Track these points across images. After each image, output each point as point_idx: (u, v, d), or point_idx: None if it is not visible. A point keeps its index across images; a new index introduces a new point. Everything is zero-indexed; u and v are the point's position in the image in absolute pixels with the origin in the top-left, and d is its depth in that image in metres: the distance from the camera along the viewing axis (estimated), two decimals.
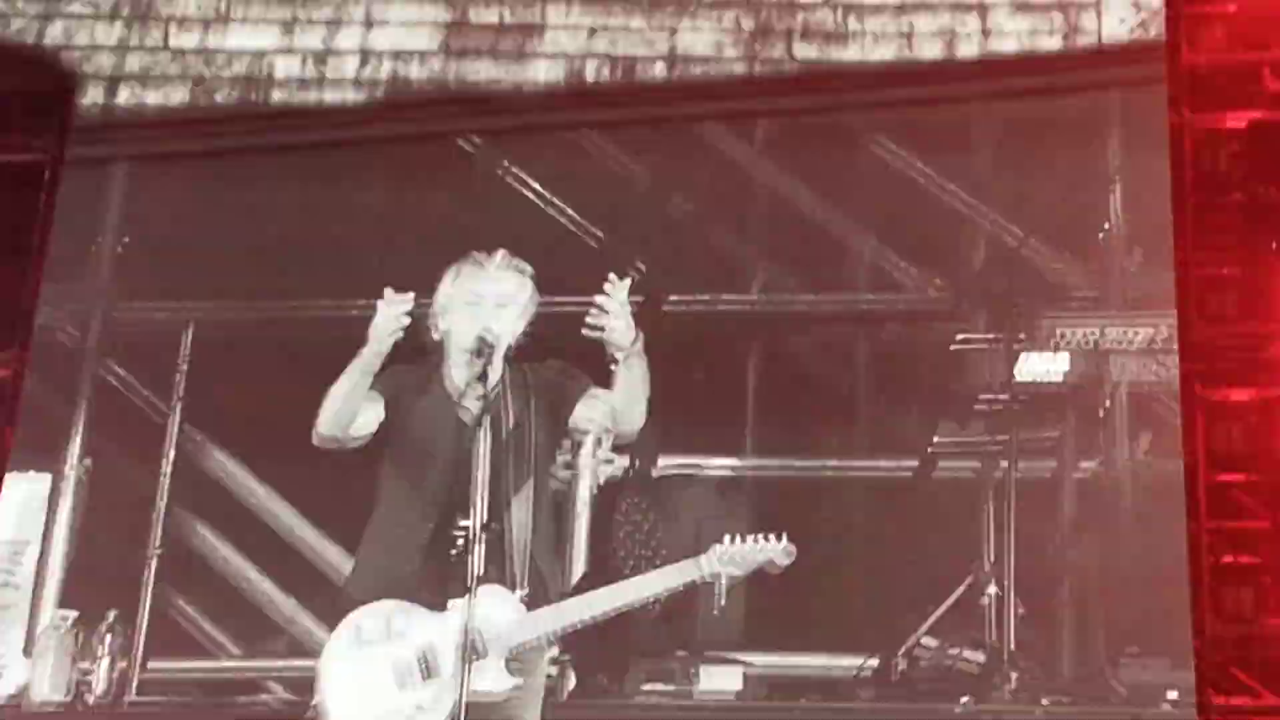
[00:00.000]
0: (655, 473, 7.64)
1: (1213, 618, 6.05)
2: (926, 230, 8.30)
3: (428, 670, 7.05)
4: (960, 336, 8.12)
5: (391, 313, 6.81)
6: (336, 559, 7.63)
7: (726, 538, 6.95)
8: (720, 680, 7.31)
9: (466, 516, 7.04)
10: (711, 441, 7.79)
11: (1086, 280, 8.25)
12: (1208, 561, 6.22)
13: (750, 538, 6.96)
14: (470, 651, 6.80)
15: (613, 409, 7.08)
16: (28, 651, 7.55)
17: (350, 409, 7.04)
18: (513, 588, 7.09)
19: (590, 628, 7.14)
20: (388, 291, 6.78)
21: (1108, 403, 8.00)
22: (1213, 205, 6.75)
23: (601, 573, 7.37)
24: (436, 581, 7.12)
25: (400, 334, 6.80)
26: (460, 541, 7.00)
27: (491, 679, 7.03)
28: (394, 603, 7.14)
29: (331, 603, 7.35)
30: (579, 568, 7.48)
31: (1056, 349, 8.05)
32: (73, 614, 7.61)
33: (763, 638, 7.45)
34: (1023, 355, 8.01)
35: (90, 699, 7.54)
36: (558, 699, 7.23)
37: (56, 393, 8.13)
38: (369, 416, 7.08)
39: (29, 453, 7.90)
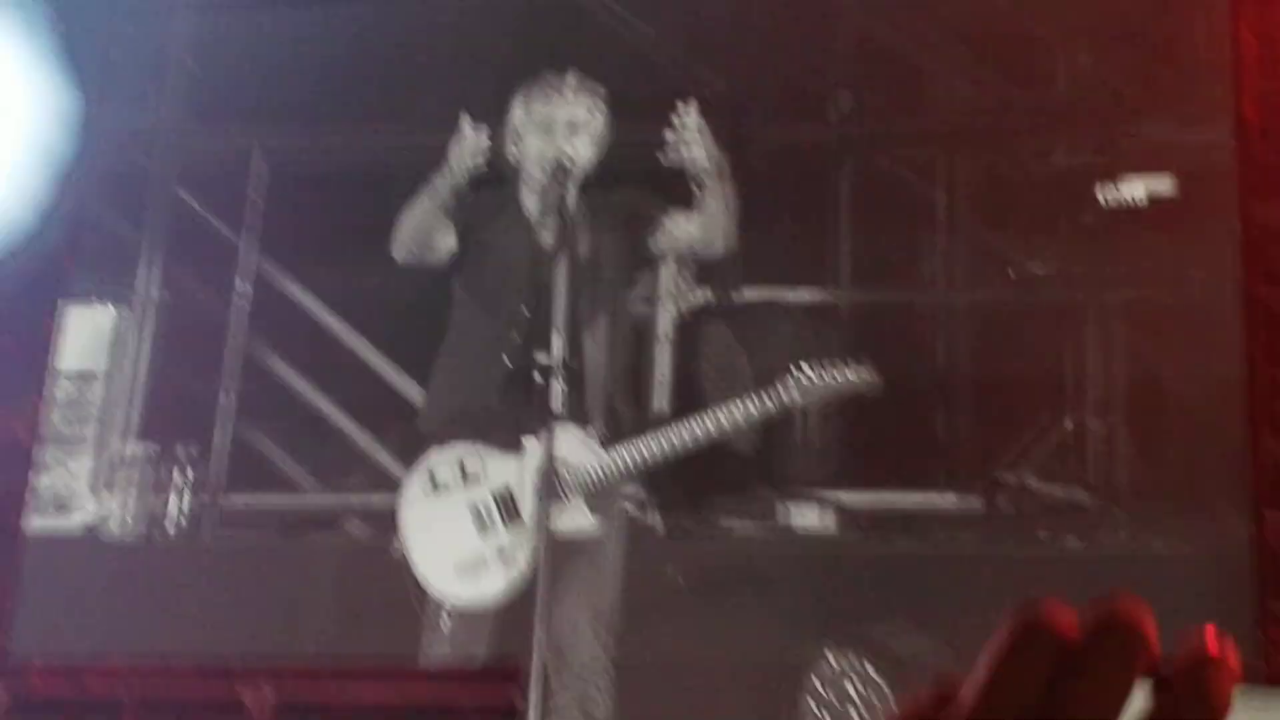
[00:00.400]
0: (740, 303, 7.37)
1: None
2: (1015, 48, 7.90)
3: (507, 513, 6.92)
4: (1057, 156, 7.74)
5: (468, 146, 6.64)
6: (413, 392, 7.45)
7: (805, 364, 6.85)
8: (809, 518, 7.09)
9: (542, 350, 6.93)
10: (799, 270, 7.49)
11: (1188, 98, 7.85)
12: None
13: (829, 364, 6.82)
14: (550, 491, 6.70)
15: (695, 233, 6.89)
16: (100, 485, 7.43)
17: (423, 236, 6.89)
18: (589, 424, 6.95)
19: (672, 464, 6.99)
20: (465, 121, 6.58)
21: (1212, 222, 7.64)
22: None
23: (681, 407, 7.17)
24: (511, 419, 6.99)
25: (477, 167, 6.65)
26: (536, 377, 6.89)
27: (572, 519, 6.91)
28: (466, 444, 7.03)
29: (408, 437, 7.22)
30: (658, 402, 7.26)
31: (1160, 169, 7.67)
32: (146, 447, 7.47)
33: (855, 474, 7.22)
34: (1125, 175, 7.62)
35: (166, 534, 7.44)
36: (640, 537, 7.06)
37: (125, 219, 7.92)
38: (444, 243, 6.94)
39: (96, 281, 7.73)
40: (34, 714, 7.66)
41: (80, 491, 7.42)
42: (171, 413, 7.58)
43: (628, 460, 6.92)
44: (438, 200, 6.80)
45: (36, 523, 7.37)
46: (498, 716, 6.85)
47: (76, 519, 7.41)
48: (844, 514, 7.10)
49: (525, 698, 6.71)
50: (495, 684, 7.11)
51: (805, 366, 6.73)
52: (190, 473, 7.42)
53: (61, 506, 7.40)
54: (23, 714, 7.50)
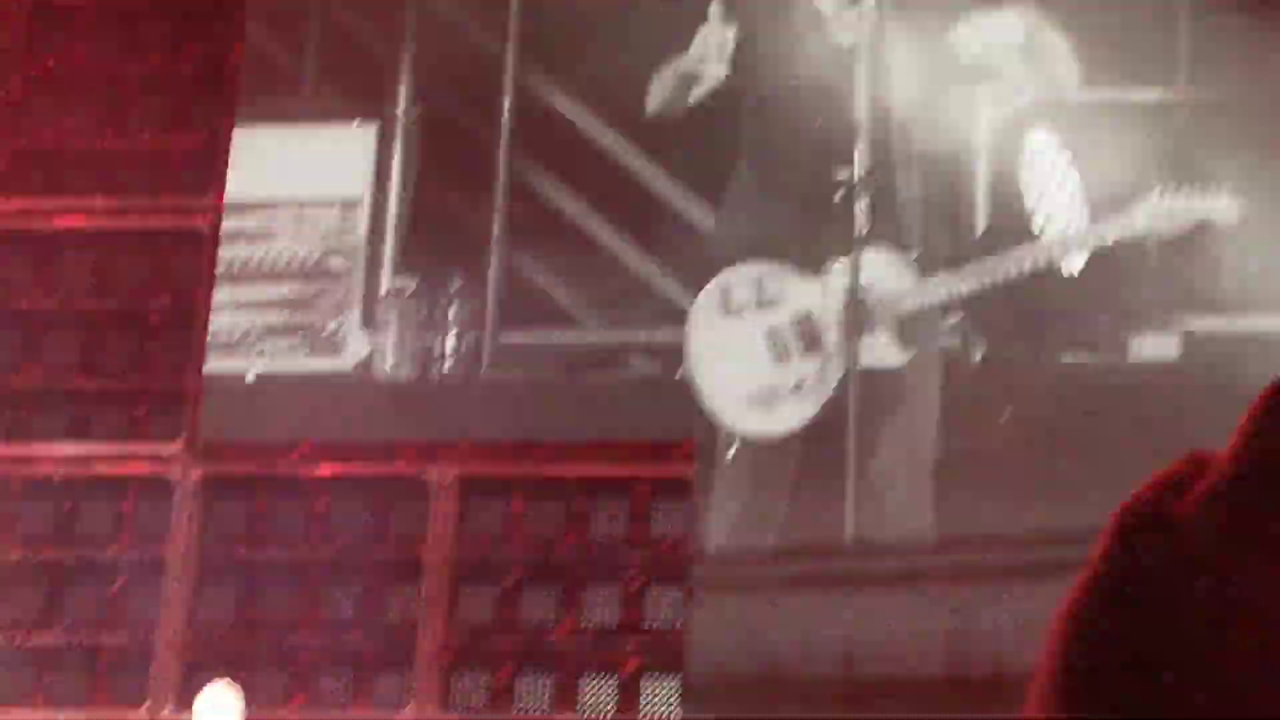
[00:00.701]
0: (1073, 107, 6.56)
1: None
2: None
3: (807, 341, 6.37)
4: None
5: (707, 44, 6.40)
6: (700, 214, 6.78)
7: (1156, 192, 6.16)
8: (1154, 347, 6.34)
9: (845, 164, 6.36)
10: (1140, 66, 6.62)
11: None
12: None
13: (1186, 191, 6.13)
14: (857, 321, 6.19)
15: (1023, 31, 6.24)
16: (367, 322, 6.92)
17: (678, 95, 6.49)
18: (901, 247, 6.35)
19: (999, 289, 6.30)
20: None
21: None
22: None
23: (1007, 226, 6.44)
24: (813, 239, 6.45)
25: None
26: (840, 193, 6.35)
27: (881, 351, 6.33)
28: (764, 264, 6.48)
29: (696, 264, 6.63)
30: (981, 223, 6.52)
31: None
32: (414, 281, 6.92)
33: (1205, 298, 6.42)
34: None
35: (439, 372, 6.91)
36: (962, 370, 6.37)
37: (378, 30, 7.30)
38: (713, 75, 6.46)
39: (350, 100, 7.16)
40: (227, 492, 7.59)
41: (352, 330, 6.96)
42: (437, 243, 7.02)
43: (946, 289, 6.30)
44: (687, 78, 6.47)
45: (307, 362, 7.05)
46: (671, 490, 6.85)
47: (346, 360, 6.97)
48: (1192, 342, 6.34)
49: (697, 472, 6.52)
50: (669, 460, 6.83)
51: (1156, 194, 6.11)
52: (460, 308, 6.88)
53: (332, 345, 6.97)
54: (216, 493, 7.56)
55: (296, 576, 7.69)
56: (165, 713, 7.50)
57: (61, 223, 8.28)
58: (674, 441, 6.86)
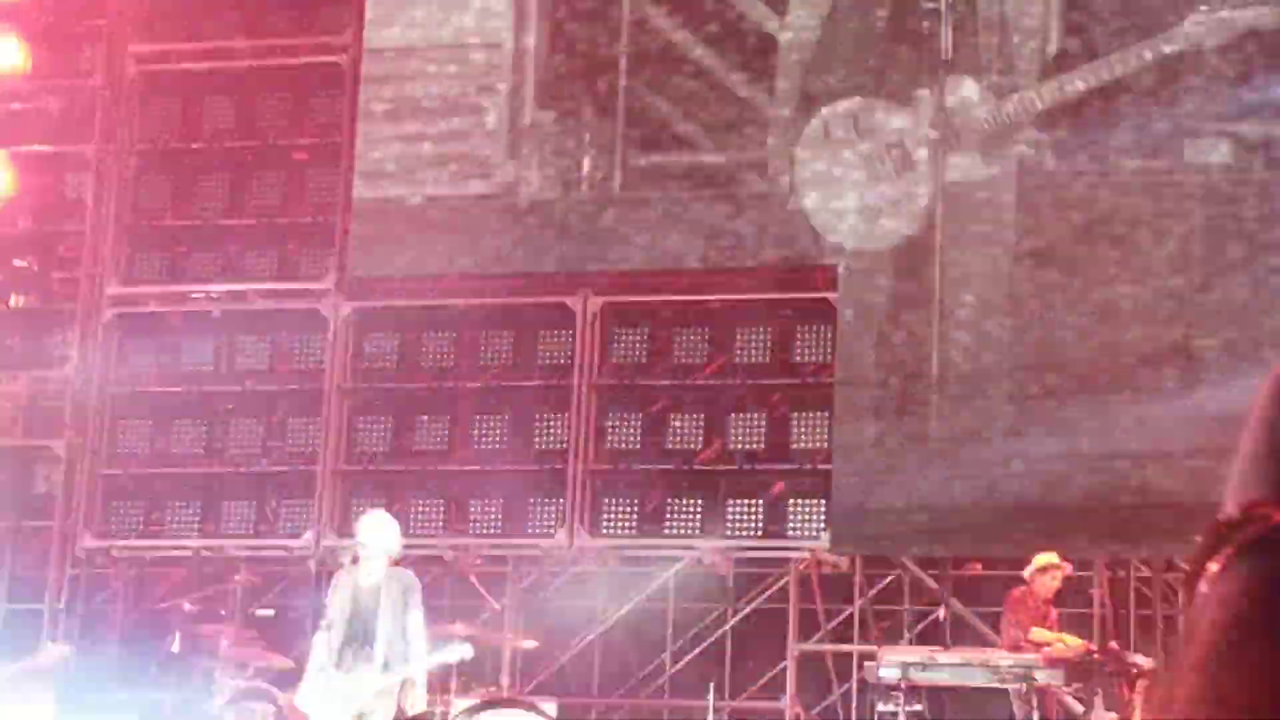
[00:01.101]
0: None
1: None
2: None
3: (901, 163, 6.78)
4: None
5: None
6: (802, 51, 7.09)
7: (1203, 4, 6.47)
8: (1208, 152, 6.41)
9: None
10: None
11: None
12: None
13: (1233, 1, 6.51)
14: (944, 141, 6.73)
15: None
16: (511, 152, 7.54)
17: None
18: (982, 71, 6.59)
19: (1069, 104, 6.51)
20: None
21: None
22: None
23: (1075, 46, 6.63)
24: (903, 69, 6.65)
25: None
26: (927, 23, 6.52)
27: (967, 167, 6.81)
28: (857, 99, 6.98)
29: (799, 94, 6.96)
30: (1054, 44, 6.66)
31: None
32: (550, 114, 7.54)
33: (1257, 105, 6.44)
34: None
35: (578, 193, 7.53)
36: (1035, 183, 6.89)
37: None
38: None
39: None
40: (375, 324, 8.08)
41: (498, 156, 7.56)
42: (570, 78, 7.55)
43: (1021, 107, 6.78)
44: None
45: (458, 188, 7.60)
46: (814, 315, 7.26)
47: (492, 185, 7.55)
48: (1243, 146, 6.37)
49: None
50: (811, 285, 7.24)
51: (1204, 6, 6.15)
52: (591, 138, 7.45)
53: (478, 171, 7.58)
54: (364, 325, 8.07)
55: (447, 405, 7.90)
56: (326, 541, 7.83)
57: (204, 64, 8.49)
58: (816, 265, 7.00)
